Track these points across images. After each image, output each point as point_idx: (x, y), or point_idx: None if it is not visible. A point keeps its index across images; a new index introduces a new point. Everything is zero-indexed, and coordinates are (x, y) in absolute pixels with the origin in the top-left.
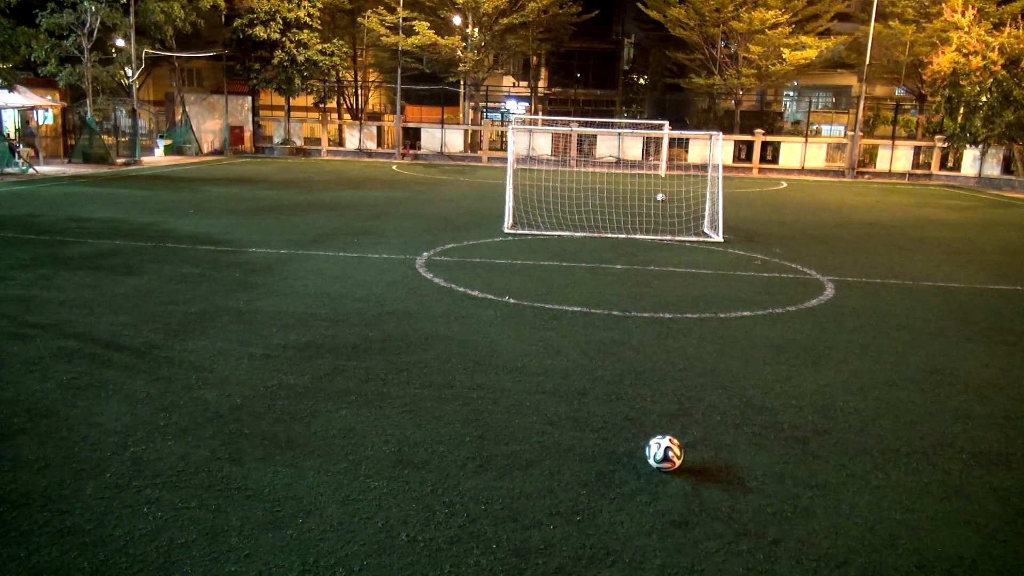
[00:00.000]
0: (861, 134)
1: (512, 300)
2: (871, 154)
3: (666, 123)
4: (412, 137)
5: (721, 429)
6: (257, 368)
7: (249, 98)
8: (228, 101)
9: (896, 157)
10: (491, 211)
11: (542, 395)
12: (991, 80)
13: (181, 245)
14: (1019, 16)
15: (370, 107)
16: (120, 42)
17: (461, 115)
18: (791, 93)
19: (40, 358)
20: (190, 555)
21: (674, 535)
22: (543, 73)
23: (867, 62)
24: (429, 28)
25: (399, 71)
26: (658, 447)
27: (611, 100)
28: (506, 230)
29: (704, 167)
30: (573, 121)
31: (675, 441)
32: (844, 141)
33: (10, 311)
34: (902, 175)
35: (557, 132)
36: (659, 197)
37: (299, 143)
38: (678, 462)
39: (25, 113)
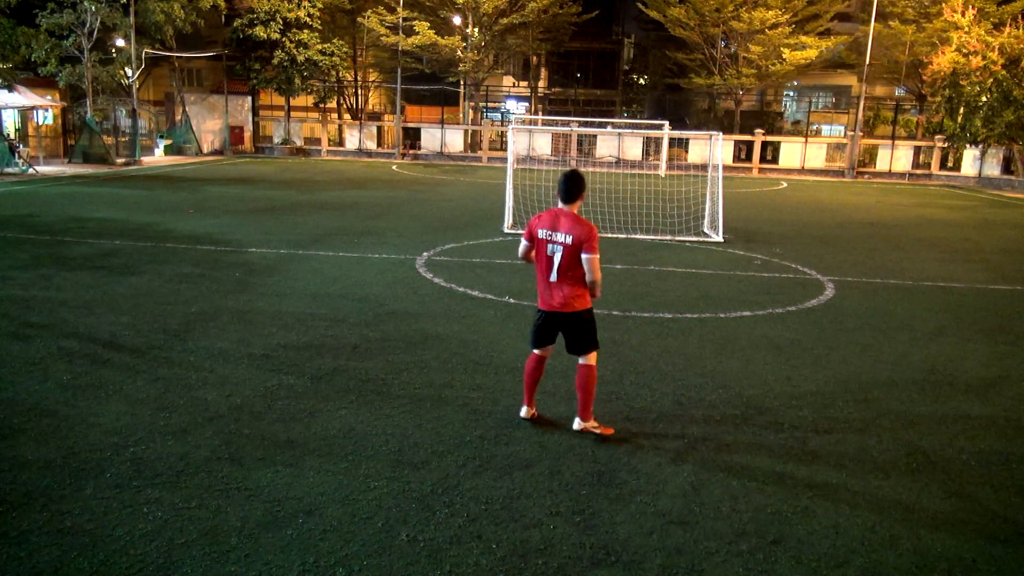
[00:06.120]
0: (861, 134)
1: (512, 300)
2: (871, 154)
3: (666, 123)
4: (412, 137)
5: (721, 429)
6: (257, 368)
7: (249, 98)
8: (228, 101)
9: (896, 157)
10: (491, 211)
11: (542, 395)
12: (991, 80)
13: (181, 245)
14: (1019, 16)
15: (370, 107)
16: (120, 42)
17: (461, 115)
18: (791, 93)
19: (40, 358)
20: (190, 555)
21: (674, 535)
22: (543, 73)
23: (867, 62)
24: (429, 28)
25: (399, 71)
26: None
27: (611, 100)
28: (506, 230)
29: (704, 167)
30: (573, 121)
31: None
32: (844, 141)
33: (10, 311)
34: (902, 175)
35: (557, 132)
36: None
37: (299, 143)
38: None
39: None
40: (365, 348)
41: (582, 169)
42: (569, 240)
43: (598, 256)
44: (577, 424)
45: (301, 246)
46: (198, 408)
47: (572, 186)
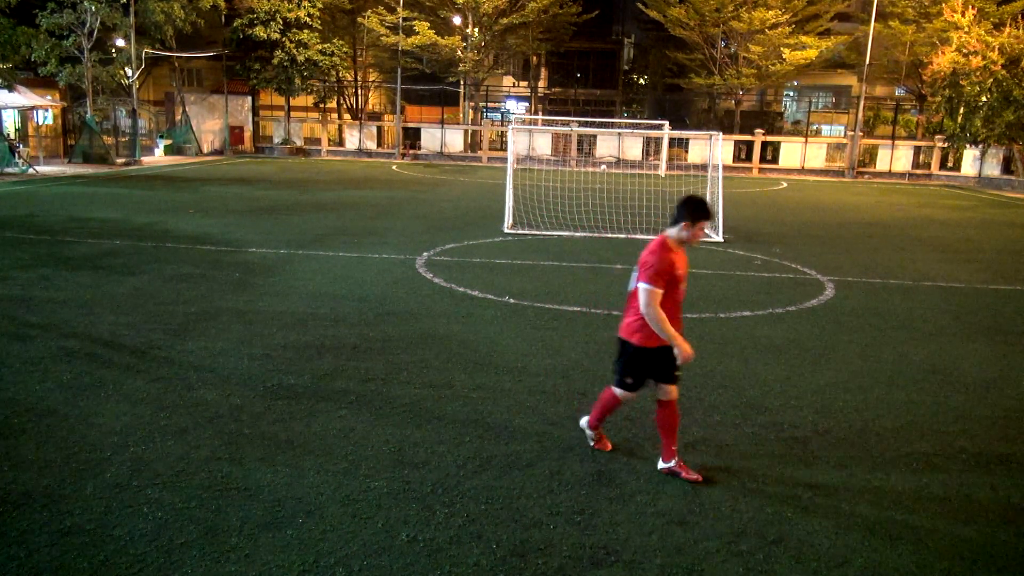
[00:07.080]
0: (861, 134)
1: (512, 300)
2: (871, 154)
3: (666, 123)
4: (412, 137)
5: (721, 429)
6: (257, 368)
7: (249, 98)
8: (228, 101)
9: (896, 157)
10: (491, 211)
11: (542, 395)
12: (991, 80)
13: (181, 245)
14: (1019, 16)
15: (370, 107)
16: (120, 42)
17: (461, 115)
18: (791, 93)
19: (40, 358)
20: (190, 555)
21: (674, 535)
22: (543, 73)
23: (867, 62)
24: (429, 28)
25: (399, 71)
26: None
27: (611, 100)
28: (506, 230)
29: (704, 167)
30: (573, 121)
31: None
32: (844, 141)
33: (10, 311)
34: (902, 175)
35: (557, 132)
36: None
37: (299, 143)
38: None
39: None
40: (365, 348)
41: (582, 169)
42: (638, 262)
43: (650, 287)
44: (582, 421)
45: (301, 246)
46: (198, 408)
47: (677, 210)
